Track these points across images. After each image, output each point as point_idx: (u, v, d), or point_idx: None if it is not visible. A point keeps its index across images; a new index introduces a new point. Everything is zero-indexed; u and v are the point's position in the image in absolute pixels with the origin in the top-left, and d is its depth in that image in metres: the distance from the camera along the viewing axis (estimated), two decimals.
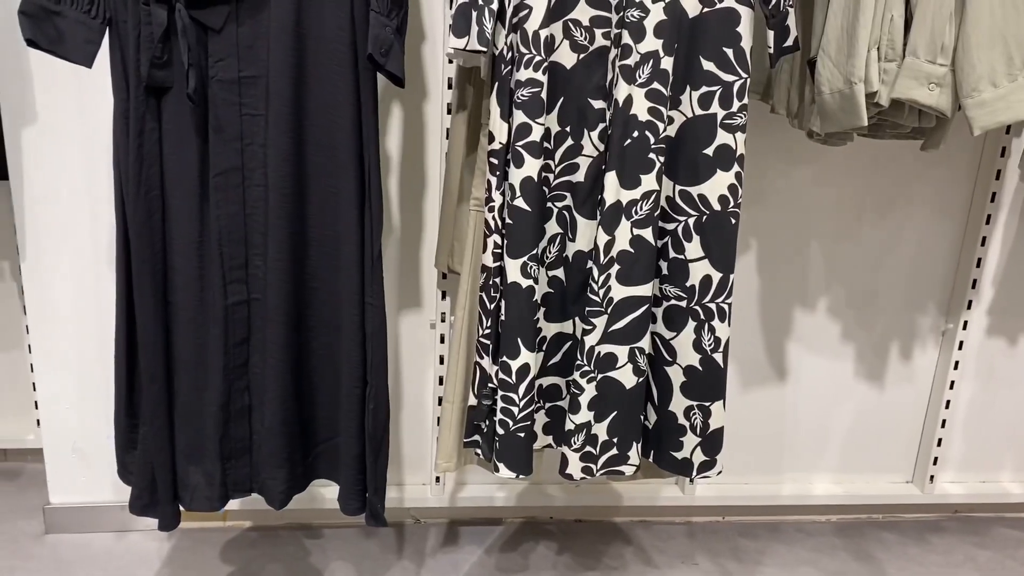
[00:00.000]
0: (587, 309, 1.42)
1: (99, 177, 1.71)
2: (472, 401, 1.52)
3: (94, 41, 1.28)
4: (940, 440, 2.08)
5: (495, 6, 1.31)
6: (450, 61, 1.72)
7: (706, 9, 1.34)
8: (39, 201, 1.73)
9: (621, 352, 1.43)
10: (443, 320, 1.87)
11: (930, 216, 1.94)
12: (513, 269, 1.40)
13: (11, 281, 2.09)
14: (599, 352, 1.43)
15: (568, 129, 1.40)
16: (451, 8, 1.41)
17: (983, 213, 1.89)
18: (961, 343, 2.00)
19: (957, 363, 2.01)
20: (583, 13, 1.35)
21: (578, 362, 1.44)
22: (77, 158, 1.70)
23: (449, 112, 1.73)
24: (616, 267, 1.40)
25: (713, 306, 1.43)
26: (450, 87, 1.73)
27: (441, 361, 1.91)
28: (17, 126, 1.70)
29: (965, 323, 1.98)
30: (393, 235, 1.84)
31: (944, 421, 2.06)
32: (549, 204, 1.44)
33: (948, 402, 2.05)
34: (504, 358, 1.43)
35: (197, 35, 1.28)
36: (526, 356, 1.42)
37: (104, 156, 1.67)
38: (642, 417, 1.50)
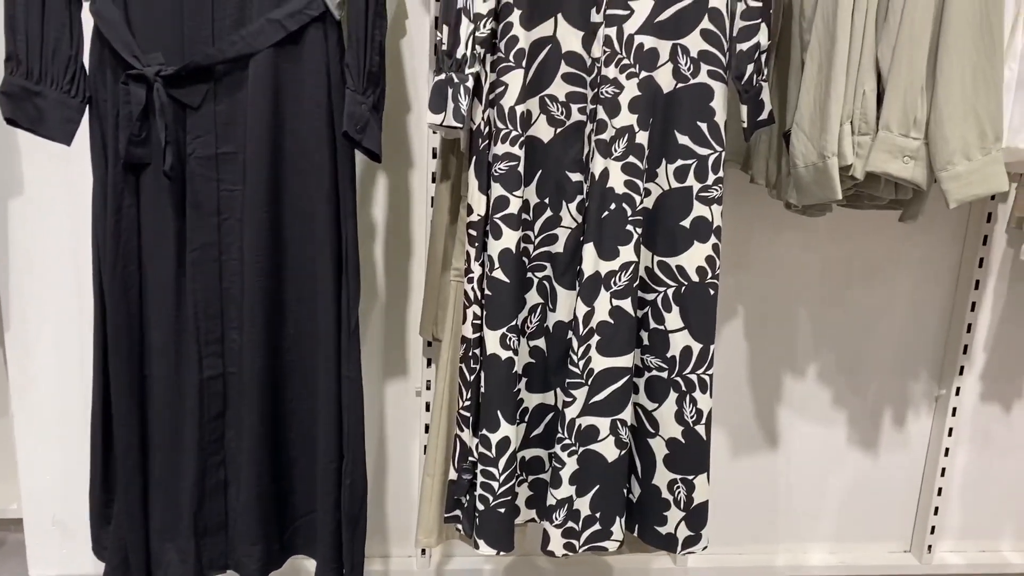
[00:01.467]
0: (567, 380, 1.40)
1: (84, 249, 1.71)
2: (452, 475, 1.50)
3: (74, 120, 1.30)
4: (937, 508, 2.04)
5: (471, 84, 1.33)
6: (433, 132, 1.74)
7: (680, 85, 1.35)
8: (24, 271, 1.74)
9: (603, 424, 1.41)
10: (428, 388, 1.85)
11: (918, 281, 1.93)
12: (492, 340, 1.39)
13: None
14: (580, 425, 1.41)
15: (547, 201, 1.41)
16: (432, 78, 1.43)
17: (972, 278, 1.88)
18: (955, 409, 1.97)
19: (951, 430, 1.98)
20: (559, 89, 1.37)
21: (559, 435, 1.42)
22: (62, 229, 1.71)
23: (434, 181, 1.74)
24: (596, 338, 1.39)
25: (694, 377, 1.41)
26: (435, 156, 1.75)
27: (427, 430, 1.88)
28: (4, 196, 1.72)
29: (958, 389, 1.95)
30: (378, 302, 1.84)
31: (940, 489, 2.02)
32: (529, 274, 1.43)
33: (944, 469, 2.01)
34: (484, 431, 1.41)
35: (175, 112, 1.29)
36: (506, 429, 1.40)
37: (89, 228, 1.68)
38: (625, 490, 1.47)
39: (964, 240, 1.89)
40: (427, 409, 1.87)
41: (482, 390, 1.41)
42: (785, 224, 1.85)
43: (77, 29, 1.28)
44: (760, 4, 1.30)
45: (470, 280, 1.42)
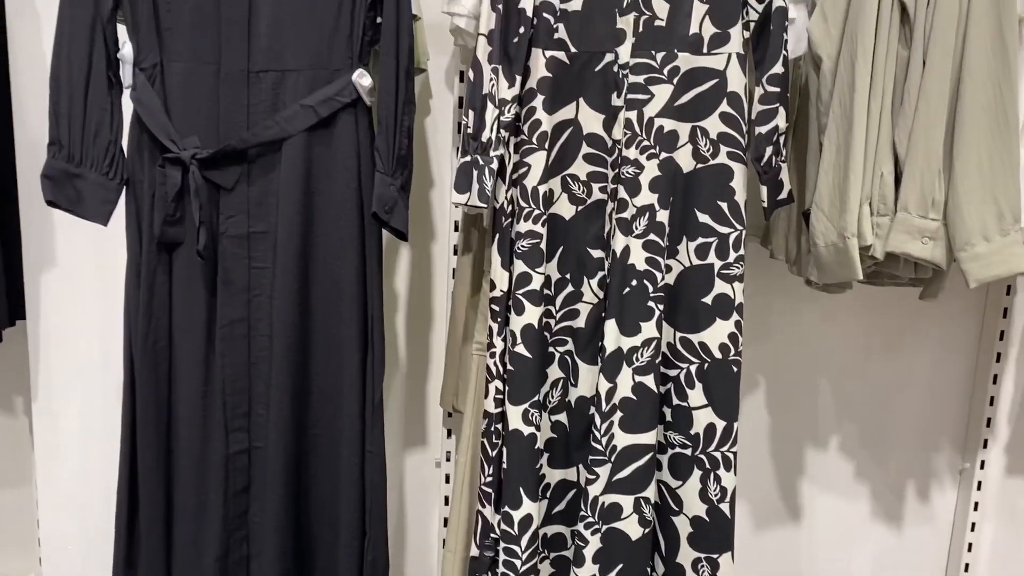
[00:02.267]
0: (590, 458, 1.41)
1: (113, 323, 1.74)
2: (474, 551, 1.49)
3: (111, 201, 1.34)
4: None
5: (495, 165, 1.36)
6: (456, 206, 1.78)
7: (700, 165, 1.38)
8: (53, 343, 1.77)
9: (626, 502, 1.41)
10: (448, 459, 1.85)
11: (939, 353, 1.92)
12: (515, 416, 1.40)
13: (23, 417, 2.11)
14: (603, 502, 1.40)
15: (568, 276, 1.43)
16: (457, 156, 1.47)
17: (992, 351, 1.88)
18: (980, 483, 1.94)
19: (977, 504, 1.95)
20: (580, 169, 1.40)
21: (582, 513, 1.41)
22: (93, 304, 1.75)
23: (455, 253, 1.77)
24: (619, 414, 1.39)
25: (718, 455, 1.41)
26: (456, 229, 1.78)
27: (447, 502, 1.88)
28: (37, 269, 1.76)
29: (982, 462, 1.93)
30: (399, 372, 1.85)
31: (967, 565, 1.98)
32: (551, 349, 1.45)
33: (970, 545, 1.97)
34: (506, 508, 1.41)
35: (209, 193, 1.33)
36: (528, 506, 1.40)
37: (119, 303, 1.71)
38: (649, 568, 1.46)
39: (984, 312, 1.89)
40: (447, 481, 1.86)
41: (504, 466, 1.42)
42: (805, 296, 1.85)
43: (118, 114, 1.33)
44: (778, 89, 1.34)
45: (492, 355, 1.43)
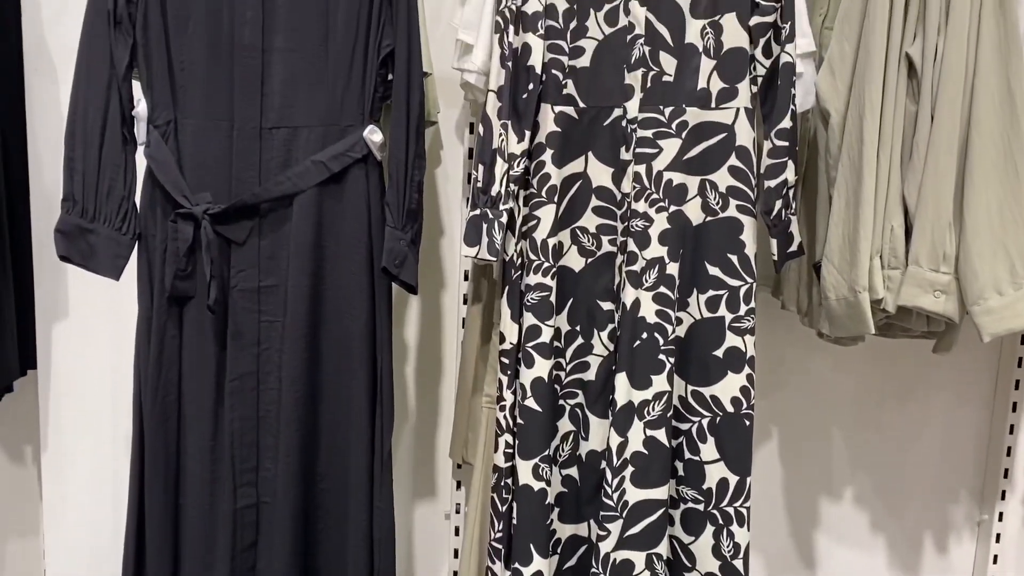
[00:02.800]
0: (601, 513, 1.39)
1: (123, 375, 1.74)
2: None
3: (123, 256, 1.35)
4: None
5: (505, 219, 1.37)
6: (466, 255, 1.78)
7: (709, 218, 1.38)
8: (64, 394, 1.77)
9: (638, 559, 1.39)
10: (457, 512, 1.83)
11: (953, 403, 1.90)
12: (525, 471, 1.39)
13: (31, 466, 2.10)
14: (615, 559, 1.38)
15: (578, 328, 1.43)
16: (467, 207, 1.48)
17: (1008, 401, 1.85)
18: (999, 535, 1.91)
19: (996, 557, 1.91)
20: (590, 221, 1.40)
21: (593, 570, 1.39)
22: (104, 355, 1.76)
23: (465, 303, 1.77)
24: (630, 469, 1.38)
25: (731, 510, 1.39)
26: (466, 279, 1.78)
27: (455, 555, 1.85)
28: (49, 319, 1.77)
29: (1001, 514, 1.90)
30: (409, 423, 1.84)
31: None
32: (561, 402, 1.44)
33: None
34: (516, 564, 1.39)
35: (220, 247, 1.34)
36: (539, 563, 1.38)
37: (130, 355, 1.71)
38: None
39: (999, 362, 1.87)
40: (456, 533, 1.84)
41: (514, 522, 1.40)
42: (817, 346, 1.84)
43: (131, 170, 1.35)
44: (786, 143, 1.34)
45: (502, 408, 1.42)
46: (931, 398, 1.90)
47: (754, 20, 1.34)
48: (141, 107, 1.34)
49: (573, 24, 1.36)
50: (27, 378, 1.86)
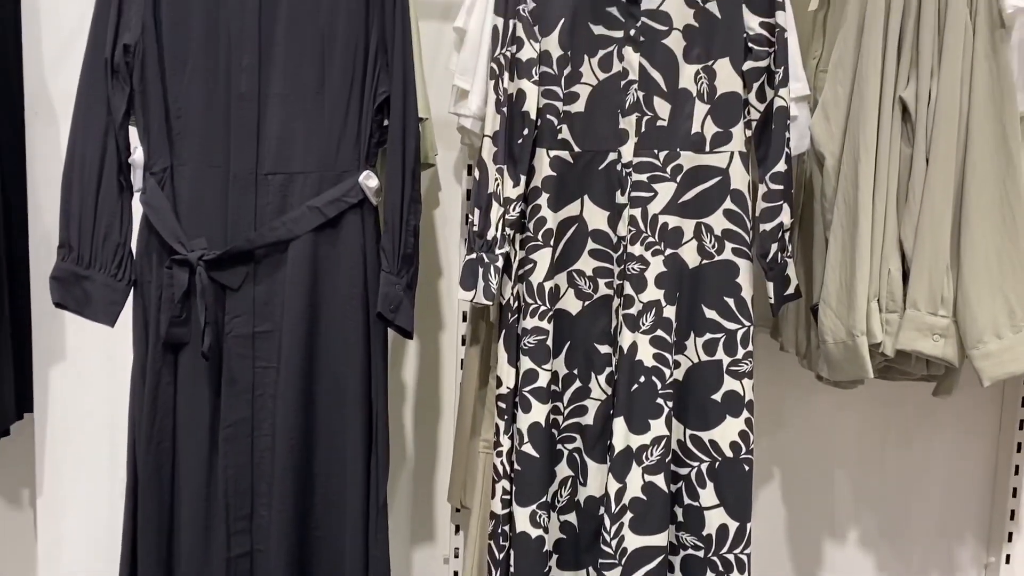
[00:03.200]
0: (600, 561, 1.37)
1: (120, 419, 1.72)
2: None
3: (118, 303, 1.35)
4: None
5: (500, 263, 1.37)
6: (462, 300, 1.78)
7: (705, 261, 1.38)
8: (60, 437, 1.77)
9: None
10: (456, 556, 1.81)
11: (958, 443, 1.88)
12: (522, 518, 1.37)
13: (27, 510, 2.08)
14: None
15: (575, 372, 1.42)
16: (464, 248, 1.48)
17: (1013, 441, 1.83)
18: None
19: None
20: (586, 264, 1.40)
21: None
22: (101, 399, 1.75)
23: (464, 344, 1.77)
24: (629, 515, 1.36)
25: (731, 557, 1.37)
26: (464, 320, 1.78)
27: None
28: (46, 362, 1.76)
29: (1008, 556, 1.87)
30: (406, 465, 1.83)
31: None
32: (559, 446, 1.42)
33: None
34: None
35: (215, 293, 1.34)
36: None
37: (127, 399, 1.71)
38: None
39: (1002, 401, 1.85)
40: None
41: (512, 570, 1.38)
42: (818, 385, 1.82)
43: (127, 217, 1.35)
44: (781, 187, 1.35)
45: (499, 453, 1.41)
46: (934, 438, 1.88)
47: (747, 65, 1.35)
48: (138, 154, 1.34)
49: (567, 70, 1.36)
50: (24, 421, 1.85)
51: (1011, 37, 1.31)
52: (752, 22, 1.35)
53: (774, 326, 1.61)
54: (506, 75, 1.35)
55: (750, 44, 1.35)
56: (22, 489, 2.09)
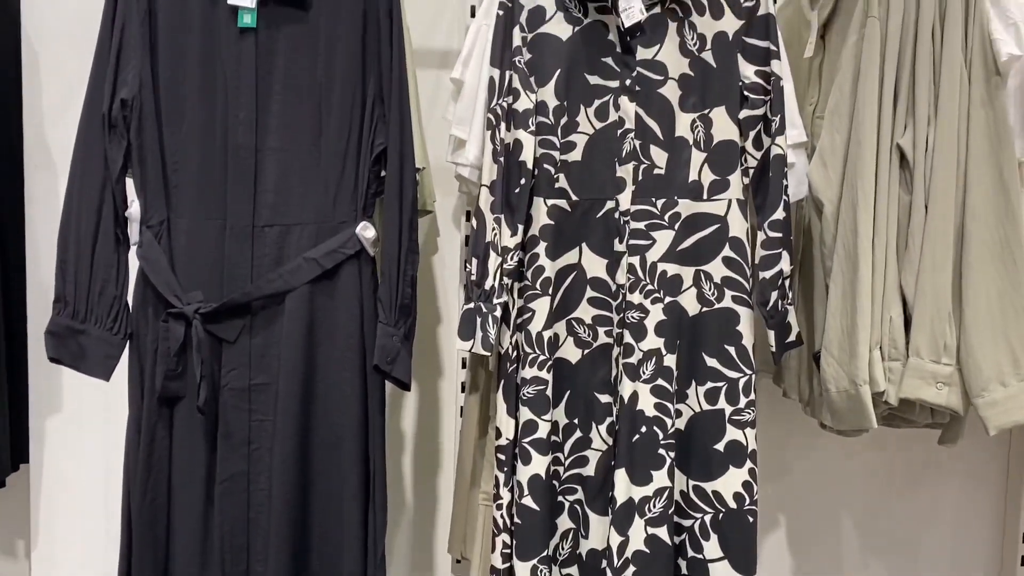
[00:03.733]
0: None
1: (116, 473, 1.69)
2: None
3: (114, 356, 1.34)
4: None
5: (499, 313, 1.36)
6: (460, 350, 1.76)
7: (705, 309, 1.37)
8: (56, 489, 1.75)
9: None
10: None
11: (965, 487, 1.85)
12: (523, 572, 1.35)
13: (23, 561, 2.05)
14: None
15: (576, 421, 1.40)
16: (462, 293, 1.47)
17: (1021, 486, 1.81)
18: None
19: None
20: (585, 312, 1.39)
21: None
22: (97, 452, 1.73)
23: (463, 391, 1.75)
24: (632, 569, 1.33)
25: None
26: (464, 367, 1.76)
27: None
28: (43, 414, 1.75)
29: None
30: (406, 515, 1.80)
31: None
32: (560, 498, 1.40)
33: None
34: None
35: (211, 346, 1.33)
36: None
37: (121, 451, 1.70)
38: None
39: (1009, 445, 1.83)
40: None
41: None
42: (822, 429, 1.81)
43: (124, 271, 1.35)
44: (780, 234, 1.34)
45: (499, 507, 1.39)
46: (942, 484, 1.85)
47: (744, 113, 1.35)
48: (134, 207, 1.34)
49: (564, 119, 1.37)
50: (19, 473, 1.83)
51: (1007, 84, 1.32)
52: (748, 71, 1.35)
53: (777, 372, 1.59)
54: (503, 125, 1.36)
55: (746, 92, 1.35)
56: (17, 540, 2.06)
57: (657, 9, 1.35)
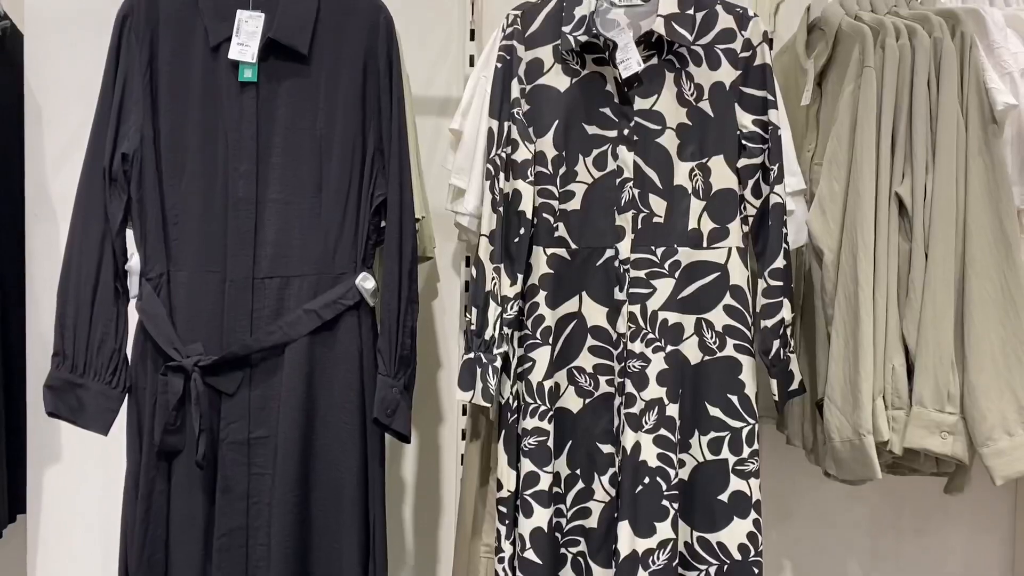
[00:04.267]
0: None
1: (114, 525, 1.67)
2: None
3: (112, 410, 1.33)
4: None
5: (498, 363, 1.35)
6: (460, 400, 1.75)
7: (707, 357, 1.36)
8: (53, 541, 1.73)
9: None
10: None
11: (972, 533, 1.83)
12: None
13: None
14: None
15: (578, 472, 1.38)
16: (462, 339, 1.46)
17: None
18: None
19: None
20: (586, 361, 1.38)
21: None
22: (95, 504, 1.72)
23: (464, 439, 1.74)
24: None
25: None
26: (464, 413, 1.75)
27: None
28: (41, 465, 1.74)
29: None
30: (407, 566, 1.78)
31: None
32: (563, 550, 1.38)
33: None
34: None
35: (210, 399, 1.32)
36: None
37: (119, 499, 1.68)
38: None
39: (1016, 491, 1.81)
40: None
41: None
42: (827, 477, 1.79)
43: (123, 324, 1.34)
44: (780, 283, 1.34)
45: (500, 560, 1.37)
46: (950, 528, 1.83)
47: (742, 162, 1.36)
48: (134, 260, 1.34)
49: (562, 169, 1.37)
50: (16, 524, 1.81)
51: (1003, 132, 1.32)
52: (745, 120, 1.36)
53: (780, 419, 1.58)
54: (501, 176, 1.36)
55: (744, 141, 1.36)
56: None
57: (654, 60, 1.36)
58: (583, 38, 1.34)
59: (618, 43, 1.33)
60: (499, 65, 1.37)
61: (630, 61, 1.33)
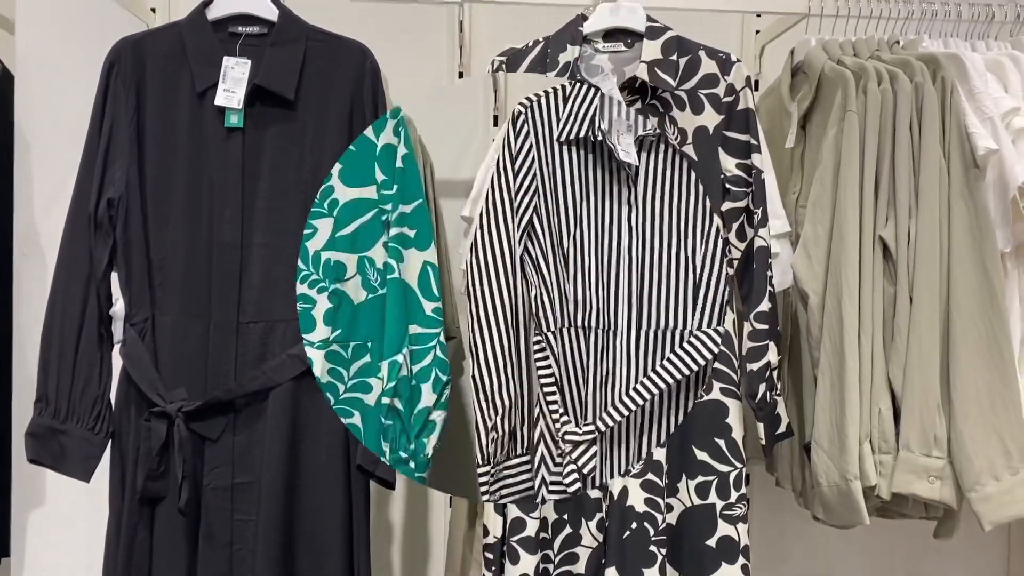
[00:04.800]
0: None
1: (99, 568, 1.68)
2: None
3: (95, 456, 1.32)
4: None
5: None
6: None
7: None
8: None
9: None
10: None
11: (968, 573, 1.81)
12: None
13: None
14: None
15: (565, 517, 1.37)
16: None
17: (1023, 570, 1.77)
18: None
19: None
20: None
21: None
22: (79, 547, 1.70)
23: None
24: None
25: None
26: None
27: None
28: (26, 508, 1.72)
29: None
30: None
31: None
32: None
33: None
34: None
35: (194, 444, 1.31)
36: None
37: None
38: None
39: (1009, 531, 1.79)
40: None
41: None
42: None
43: (107, 369, 1.34)
44: (766, 326, 1.33)
45: None
46: (943, 571, 1.81)
47: (726, 206, 1.36)
48: (119, 306, 1.34)
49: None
50: (0, 566, 1.79)
51: (986, 176, 1.33)
52: (729, 164, 1.36)
53: (769, 461, 1.57)
54: None
55: (727, 185, 1.36)
56: None
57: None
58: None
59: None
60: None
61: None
